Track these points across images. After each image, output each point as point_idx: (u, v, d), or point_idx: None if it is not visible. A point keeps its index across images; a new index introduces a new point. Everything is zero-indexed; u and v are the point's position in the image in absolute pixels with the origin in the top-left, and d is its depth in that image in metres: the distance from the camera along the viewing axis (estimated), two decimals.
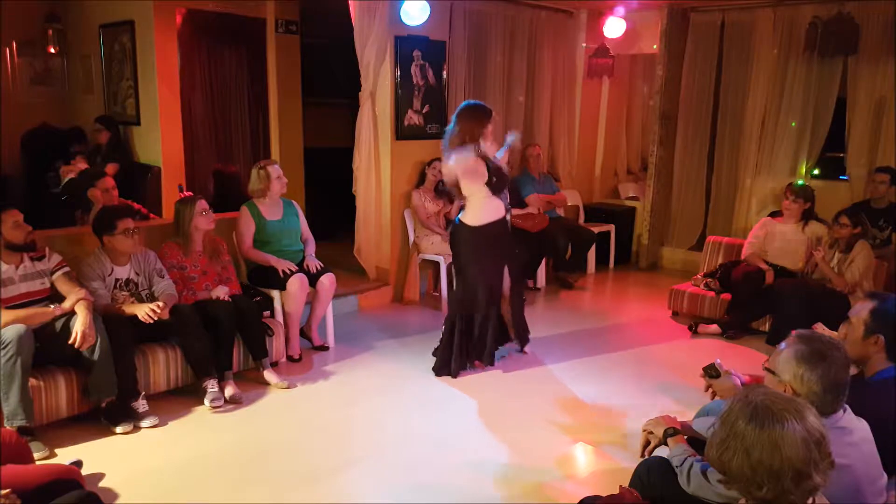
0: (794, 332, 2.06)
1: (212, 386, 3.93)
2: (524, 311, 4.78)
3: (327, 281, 4.70)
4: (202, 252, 4.31)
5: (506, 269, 4.50)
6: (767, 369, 2.05)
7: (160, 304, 3.76)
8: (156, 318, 3.71)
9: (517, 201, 6.54)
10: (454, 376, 4.39)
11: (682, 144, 7.35)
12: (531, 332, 4.85)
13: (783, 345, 2.03)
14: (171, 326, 3.87)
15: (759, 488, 1.52)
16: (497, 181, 4.26)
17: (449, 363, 4.41)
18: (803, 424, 1.52)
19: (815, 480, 1.51)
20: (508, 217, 4.47)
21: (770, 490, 1.51)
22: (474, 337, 4.44)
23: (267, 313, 4.52)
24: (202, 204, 4.30)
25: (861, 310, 2.47)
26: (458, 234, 4.40)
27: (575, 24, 7.55)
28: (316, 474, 3.27)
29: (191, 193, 5.70)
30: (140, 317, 3.70)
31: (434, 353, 4.57)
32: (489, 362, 4.55)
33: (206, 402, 3.89)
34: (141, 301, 3.90)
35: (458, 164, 4.20)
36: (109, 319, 3.64)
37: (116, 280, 3.89)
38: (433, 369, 4.45)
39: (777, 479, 1.50)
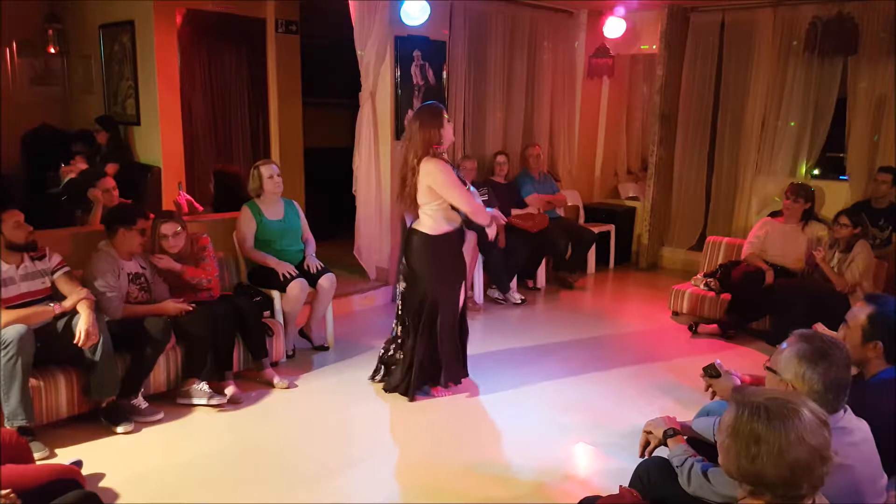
0: (795, 332, 2.06)
1: (199, 385, 3.92)
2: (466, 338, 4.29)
3: (327, 282, 4.70)
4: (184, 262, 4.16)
5: (462, 285, 4.13)
6: (769, 368, 2.05)
7: (191, 304, 3.95)
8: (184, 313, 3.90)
9: (517, 201, 6.54)
10: (413, 399, 4.06)
11: (682, 144, 7.35)
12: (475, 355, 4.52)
13: (785, 344, 2.03)
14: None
15: (799, 487, 1.51)
16: None
17: (409, 387, 4.07)
18: (810, 409, 1.53)
19: (834, 459, 1.52)
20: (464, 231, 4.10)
21: (808, 485, 1.51)
22: (439, 354, 4.07)
23: (267, 313, 4.52)
24: (169, 227, 4.07)
25: (859, 314, 2.45)
26: (412, 243, 4.01)
27: (575, 24, 7.56)
28: (316, 474, 3.26)
29: (182, 196, 5.72)
30: (170, 311, 3.87)
31: (377, 378, 4.28)
32: (456, 381, 4.22)
33: (204, 401, 3.89)
34: (151, 293, 3.99)
35: (436, 174, 3.83)
36: (141, 319, 3.75)
37: (128, 274, 3.91)
38: (401, 392, 4.10)
39: (811, 470, 1.49)
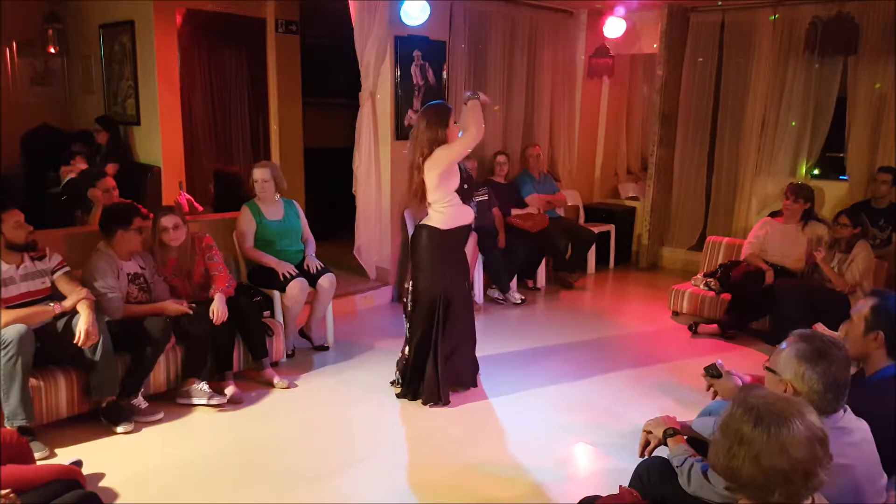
0: (795, 332, 2.06)
1: (199, 385, 3.92)
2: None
3: (327, 282, 4.70)
4: (180, 264, 4.17)
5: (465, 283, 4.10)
6: (768, 368, 2.05)
7: (191, 305, 3.94)
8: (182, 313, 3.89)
9: (517, 201, 6.55)
10: (447, 403, 4.01)
11: (682, 144, 7.35)
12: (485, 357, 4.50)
13: (784, 344, 2.03)
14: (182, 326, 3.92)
15: (771, 493, 1.51)
16: (467, 188, 3.96)
17: (438, 391, 4.00)
18: (806, 423, 1.51)
19: (821, 477, 1.51)
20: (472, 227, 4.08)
21: (782, 494, 1.50)
22: (452, 356, 4.04)
23: (267, 313, 4.52)
24: (169, 219, 4.07)
25: (862, 307, 2.48)
26: (420, 238, 3.97)
27: (575, 24, 7.56)
28: (316, 474, 3.27)
29: (183, 196, 5.71)
30: (170, 312, 3.85)
31: (396, 383, 4.19)
32: (473, 384, 4.23)
33: (204, 401, 3.89)
34: (150, 293, 3.99)
35: (437, 158, 3.81)
36: (140, 319, 3.74)
37: (127, 275, 3.90)
38: (423, 402, 4.02)
39: (788, 482, 1.49)
